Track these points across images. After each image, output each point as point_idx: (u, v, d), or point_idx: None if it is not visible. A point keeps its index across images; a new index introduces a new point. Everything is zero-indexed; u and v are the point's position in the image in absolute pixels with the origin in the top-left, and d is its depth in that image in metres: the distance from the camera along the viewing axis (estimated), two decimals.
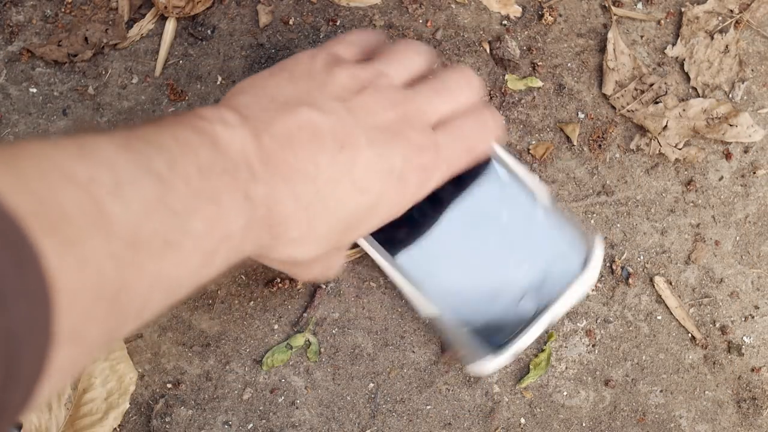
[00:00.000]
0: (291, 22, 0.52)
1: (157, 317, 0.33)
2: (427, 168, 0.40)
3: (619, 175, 0.50)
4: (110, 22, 0.51)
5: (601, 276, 0.49)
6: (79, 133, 0.30)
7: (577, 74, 0.52)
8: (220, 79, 0.51)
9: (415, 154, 0.39)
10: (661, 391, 0.48)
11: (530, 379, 0.48)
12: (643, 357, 0.48)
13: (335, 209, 0.37)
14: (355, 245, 0.47)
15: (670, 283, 0.49)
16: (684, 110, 0.51)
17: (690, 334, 0.49)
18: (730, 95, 0.52)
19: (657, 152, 0.50)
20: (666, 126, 0.51)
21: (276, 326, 0.48)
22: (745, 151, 0.51)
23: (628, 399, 0.48)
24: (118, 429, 0.46)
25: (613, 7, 0.52)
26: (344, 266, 0.47)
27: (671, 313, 0.49)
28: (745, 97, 0.52)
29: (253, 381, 0.47)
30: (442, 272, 0.44)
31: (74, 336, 0.26)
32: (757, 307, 0.49)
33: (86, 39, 0.50)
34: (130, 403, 0.46)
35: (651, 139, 0.51)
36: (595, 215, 0.50)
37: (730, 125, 0.51)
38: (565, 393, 0.48)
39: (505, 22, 0.52)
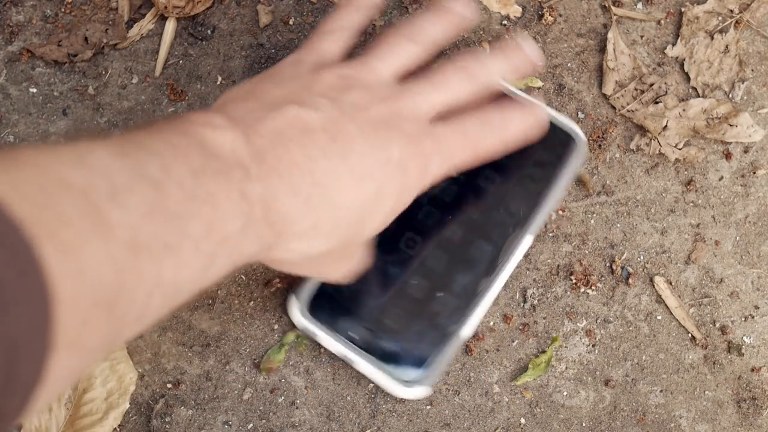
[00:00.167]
0: (291, 22, 0.52)
1: (157, 322, 0.32)
2: (426, 154, 0.39)
3: (619, 175, 0.50)
4: (110, 22, 0.51)
5: (601, 276, 0.49)
6: (74, 140, 0.30)
7: (577, 74, 0.52)
8: (220, 79, 0.51)
9: (412, 142, 0.39)
10: (661, 391, 0.48)
11: (527, 378, 0.48)
12: (643, 357, 0.48)
13: (337, 199, 0.37)
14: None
15: (670, 283, 0.49)
16: (684, 110, 0.51)
17: (690, 334, 0.49)
18: (730, 95, 0.52)
19: (657, 152, 0.50)
20: (666, 126, 0.51)
21: (276, 326, 0.48)
22: (745, 151, 0.51)
23: (628, 399, 0.48)
24: (118, 429, 0.46)
25: (613, 7, 0.52)
26: (370, 261, 0.45)
27: (671, 313, 0.49)
28: (745, 97, 0.52)
29: (253, 381, 0.47)
30: None
31: (72, 342, 0.26)
32: (757, 307, 0.49)
33: (86, 39, 0.50)
34: (130, 403, 0.46)
35: (651, 139, 0.51)
36: (595, 215, 0.50)
37: (730, 125, 0.51)
38: (565, 393, 0.48)
39: (505, 22, 0.52)
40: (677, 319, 0.49)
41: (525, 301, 0.49)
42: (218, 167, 0.33)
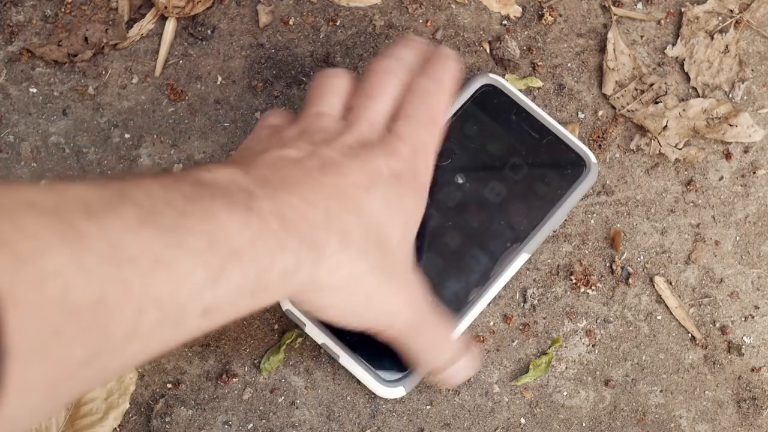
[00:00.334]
0: (291, 22, 0.52)
1: (171, 348, 0.31)
2: (405, 156, 0.41)
3: (619, 175, 0.50)
4: (110, 22, 0.51)
5: (601, 276, 0.49)
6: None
7: (577, 74, 0.52)
8: (220, 79, 0.51)
9: (387, 152, 0.40)
10: (661, 391, 0.48)
11: (527, 379, 0.48)
12: (643, 357, 0.48)
13: (357, 211, 0.38)
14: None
15: (670, 283, 0.49)
16: (684, 110, 0.51)
17: (690, 334, 0.49)
18: (730, 95, 0.52)
19: (657, 152, 0.50)
20: (666, 126, 0.51)
21: (276, 326, 0.48)
22: (745, 151, 0.51)
23: (628, 399, 0.48)
24: (118, 429, 0.46)
25: (613, 7, 0.52)
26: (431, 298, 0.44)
27: (671, 313, 0.49)
28: (745, 97, 0.52)
29: (253, 381, 0.47)
30: None
31: (41, 352, 0.25)
32: (757, 307, 0.49)
33: (86, 39, 0.50)
34: (130, 403, 0.46)
35: (651, 139, 0.51)
36: (595, 215, 0.50)
37: (730, 125, 0.51)
38: (565, 393, 0.48)
39: (505, 22, 0.52)
40: (677, 319, 0.49)
41: (525, 301, 0.49)
42: (215, 192, 0.33)
